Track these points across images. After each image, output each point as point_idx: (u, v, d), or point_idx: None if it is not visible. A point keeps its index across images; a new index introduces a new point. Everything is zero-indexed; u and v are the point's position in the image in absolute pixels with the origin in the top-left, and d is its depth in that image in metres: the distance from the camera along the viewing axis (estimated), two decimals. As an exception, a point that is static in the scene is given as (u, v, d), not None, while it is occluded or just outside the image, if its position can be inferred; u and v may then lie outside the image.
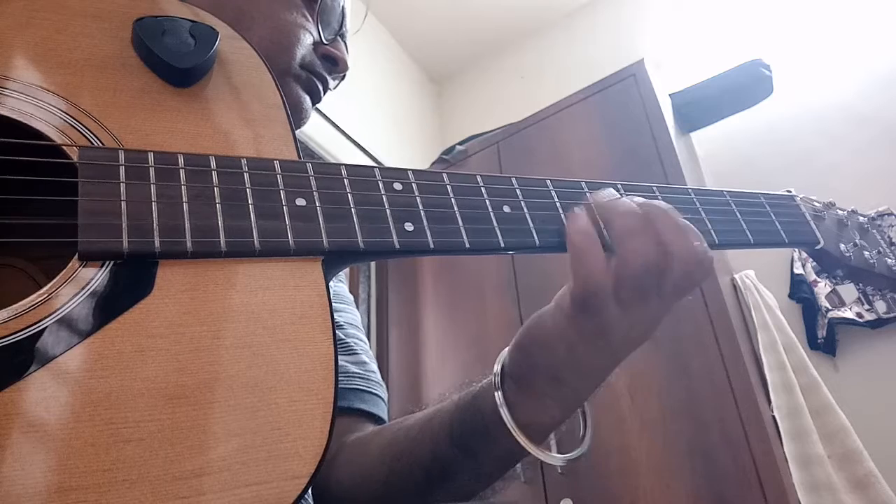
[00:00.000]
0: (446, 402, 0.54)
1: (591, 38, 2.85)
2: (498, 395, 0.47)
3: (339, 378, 0.36)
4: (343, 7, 0.70)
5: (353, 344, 0.70)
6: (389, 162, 2.55)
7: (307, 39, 0.65)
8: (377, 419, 0.67)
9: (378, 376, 0.71)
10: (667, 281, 0.43)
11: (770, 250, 1.21)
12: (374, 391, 0.68)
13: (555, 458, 0.46)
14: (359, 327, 0.74)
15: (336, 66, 0.68)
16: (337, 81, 0.71)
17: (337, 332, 0.37)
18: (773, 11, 2.42)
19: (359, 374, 0.68)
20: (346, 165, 0.44)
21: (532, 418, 0.46)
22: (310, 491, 0.54)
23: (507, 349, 0.49)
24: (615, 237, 0.43)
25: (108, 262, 0.35)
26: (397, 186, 0.44)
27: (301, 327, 0.36)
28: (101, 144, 0.39)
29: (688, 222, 0.45)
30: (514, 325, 1.97)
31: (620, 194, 0.49)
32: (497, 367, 0.48)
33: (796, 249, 1.95)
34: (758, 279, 1.73)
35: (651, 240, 0.42)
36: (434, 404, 0.56)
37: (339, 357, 0.41)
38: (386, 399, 0.70)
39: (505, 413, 0.46)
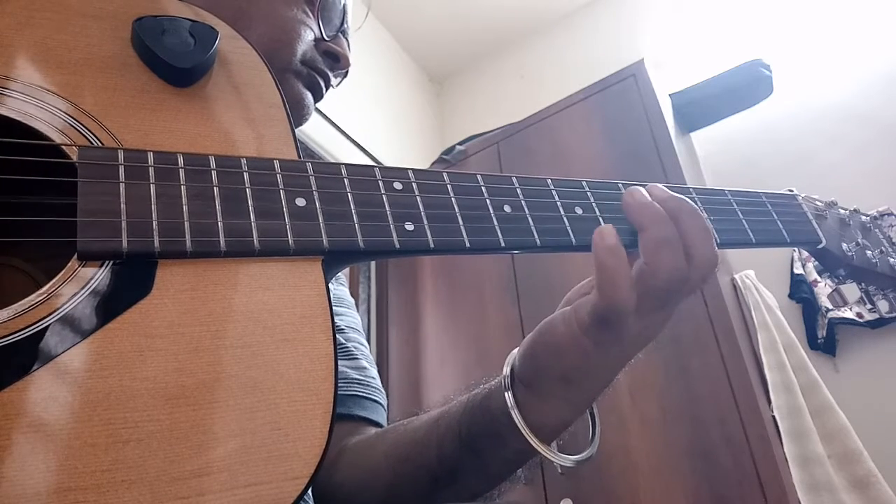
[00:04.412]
0: (453, 404, 0.54)
1: (591, 38, 2.85)
2: (508, 397, 0.46)
3: (339, 384, 0.36)
4: (344, 3, 0.70)
5: (353, 348, 0.70)
6: (389, 162, 2.54)
7: (308, 36, 0.65)
8: (377, 426, 0.66)
9: (378, 382, 0.70)
10: (687, 287, 0.44)
11: (770, 250, 1.21)
12: (373, 397, 0.68)
13: (565, 458, 0.46)
14: (359, 331, 0.74)
15: (338, 62, 0.68)
16: (339, 79, 0.71)
17: (337, 335, 0.37)
18: (773, 11, 2.42)
19: (359, 379, 0.67)
20: (346, 165, 0.44)
21: (542, 420, 0.46)
22: (310, 492, 0.54)
23: (515, 350, 0.49)
24: (646, 247, 0.43)
25: (107, 262, 0.35)
26: (397, 186, 0.44)
27: (301, 327, 0.36)
28: (100, 144, 0.39)
29: (709, 224, 0.45)
30: (514, 326, 1.99)
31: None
32: (507, 369, 0.48)
33: (796, 249, 1.94)
34: (758, 279, 1.73)
35: (680, 248, 0.43)
36: (438, 407, 0.56)
37: (339, 362, 0.41)
38: (385, 405, 0.70)
39: (516, 414, 0.46)
